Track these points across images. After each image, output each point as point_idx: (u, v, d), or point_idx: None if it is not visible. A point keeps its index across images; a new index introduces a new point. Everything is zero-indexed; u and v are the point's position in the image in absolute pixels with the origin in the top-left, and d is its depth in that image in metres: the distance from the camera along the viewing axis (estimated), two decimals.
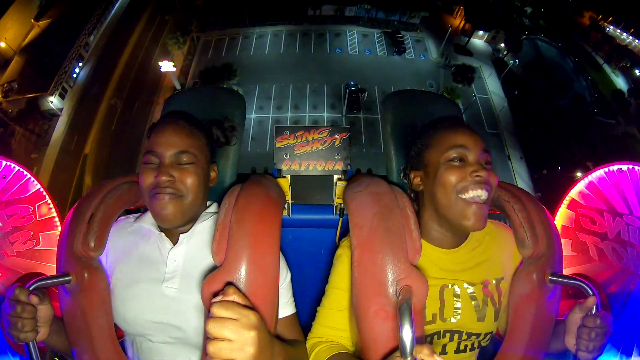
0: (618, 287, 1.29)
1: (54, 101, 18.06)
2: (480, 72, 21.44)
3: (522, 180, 17.18)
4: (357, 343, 0.92)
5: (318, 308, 1.04)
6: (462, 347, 1.01)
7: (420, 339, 0.86)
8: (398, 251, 0.85)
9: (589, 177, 1.39)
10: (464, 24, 23.16)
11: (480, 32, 23.11)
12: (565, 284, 0.96)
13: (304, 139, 1.34)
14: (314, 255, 1.44)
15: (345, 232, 1.31)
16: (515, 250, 1.03)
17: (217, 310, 0.68)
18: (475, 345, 1.02)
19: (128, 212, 1.12)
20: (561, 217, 1.41)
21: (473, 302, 0.99)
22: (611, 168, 1.37)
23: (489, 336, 1.02)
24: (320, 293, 1.06)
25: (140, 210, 1.15)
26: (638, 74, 21.36)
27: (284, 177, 1.32)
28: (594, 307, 0.89)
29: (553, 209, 1.40)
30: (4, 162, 1.33)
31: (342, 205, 1.33)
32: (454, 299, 0.99)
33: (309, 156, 1.34)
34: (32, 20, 22.11)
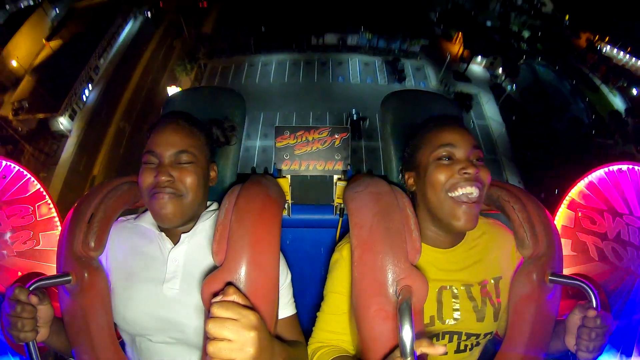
0: (618, 287, 1.29)
1: (63, 122, 18.35)
2: (479, 98, 21.68)
3: None
4: (357, 343, 0.92)
5: (318, 313, 1.04)
6: (462, 347, 1.01)
7: (420, 332, 0.86)
8: (398, 251, 0.85)
9: (589, 177, 1.39)
10: (463, 51, 23.44)
11: (479, 59, 23.37)
12: (565, 284, 0.96)
13: (304, 139, 1.34)
14: (314, 255, 1.44)
15: (345, 232, 1.31)
16: (513, 249, 1.03)
17: (217, 310, 0.68)
18: (474, 345, 1.02)
19: (128, 212, 1.12)
20: (561, 217, 1.41)
21: (472, 303, 0.99)
22: (611, 168, 1.37)
23: (489, 336, 1.02)
24: (321, 293, 1.06)
25: (140, 210, 1.15)
26: (635, 92, 21.42)
27: (284, 177, 1.32)
28: (594, 307, 0.89)
29: (553, 209, 1.40)
30: (4, 162, 1.33)
31: (342, 205, 1.33)
32: (453, 300, 0.99)
33: (309, 156, 1.34)
34: (44, 40, 22.48)
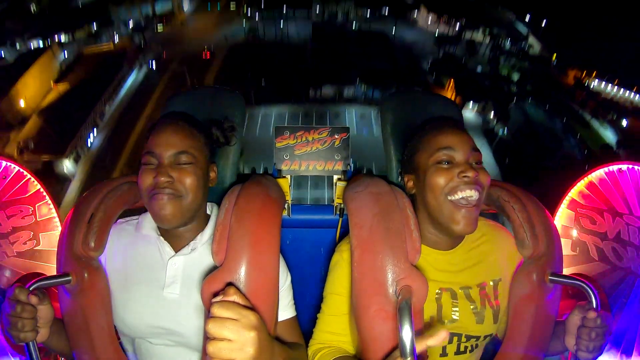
0: (618, 287, 1.29)
1: (68, 165, 18.49)
2: None
3: None
4: (357, 343, 0.92)
5: (318, 315, 1.03)
6: (462, 349, 1.01)
7: (419, 330, 0.86)
8: (398, 251, 0.85)
9: (589, 177, 1.39)
10: (455, 97, 23.74)
11: (470, 104, 23.60)
12: (565, 283, 0.96)
13: (304, 139, 1.34)
14: (314, 255, 1.44)
15: (345, 232, 1.31)
16: (512, 251, 1.03)
17: (217, 310, 0.68)
18: (475, 346, 1.02)
19: (129, 212, 1.12)
20: (561, 217, 1.41)
21: (471, 305, 0.99)
22: (611, 168, 1.37)
23: (488, 338, 1.02)
24: (321, 293, 1.06)
25: (140, 210, 1.15)
26: (625, 124, 21.73)
27: (284, 177, 1.32)
28: (594, 307, 0.89)
29: (553, 209, 1.40)
30: (4, 163, 1.33)
31: (342, 205, 1.33)
32: (452, 301, 0.99)
33: (309, 156, 1.34)
34: (52, 83, 22.86)
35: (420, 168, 0.98)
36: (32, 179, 1.35)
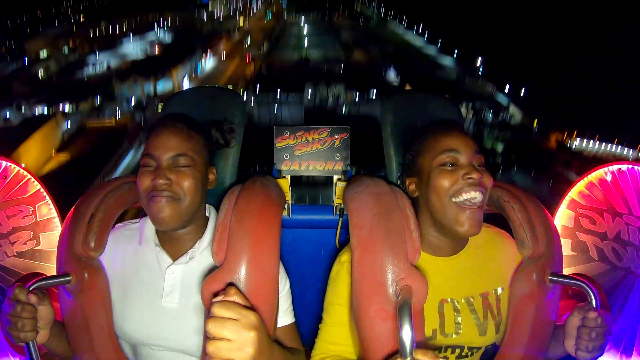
0: (618, 287, 1.29)
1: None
2: None
3: None
4: (357, 344, 0.92)
5: (319, 325, 1.02)
6: (464, 354, 1.01)
7: (421, 341, 0.86)
8: (398, 251, 0.85)
9: (589, 177, 1.39)
10: None
11: None
12: (565, 283, 0.97)
13: (303, 139, 1.34)
14: (313, 255, 1.44)
15: (345, 232, 1.31)
16: (516, 258, 1.02)
17: (217, 310, 0.68)
18: (476, 351, 1.02)
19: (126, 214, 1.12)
20: (561, 217, 1.41)
21: (473, 316, 0.98)
22: (611, 168, 1.37)
23: (490, 346, 1.02)
24: (321, 293, 1.06)
25: (140, 210, 1.15)
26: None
27: (284, 177, 1.32)
28: (594, 306, 0.89)
29: (553, 209, 1.40)
30: (4, 163, 1.33)
31: (342, 205, 1.33)
32: (454, 313, 0.98)
33: (309, 156, 1.34)
34: (53, 152, 23.36)
35: (424, 171, 0.98)
36: (32, 179, 1.35)
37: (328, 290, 1.02)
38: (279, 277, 0.92)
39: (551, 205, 1.31)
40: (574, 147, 25.93)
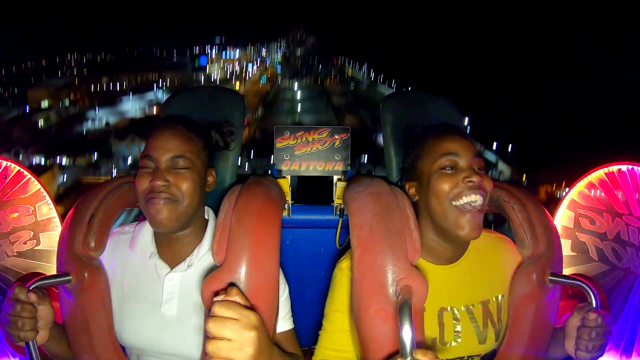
0: (618, 287, 1.29)
1: None
2: None
3: None
4: (357, 345, 0.92)
5: (320, 332, 1.02)
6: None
7: (421, 342, 0.86)
8: (398, 251, 0.85)
9: (589, 177, 1.39)
10: None
11: None
12: (565, 284, 0.97)
13: (304, 139, 1.34)
14: (313, 255, 1.44)
15: (345, 232, 1.31)
16: (516, 264, 1.02)
17: (218, 310, 0.68)
18: (476, 356, 1.02)
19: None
20: (561, 217, 1.41)
21: (473, 325, 0.98)
22: (611, 169, 1.37)
23: (490, 352, 1.02)
24: (321, 293, 1.06)
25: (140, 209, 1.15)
26: None
27: (284, 177, 1.32)
28: (594, 306, 0.88)
29: (553, 209, 1.40)
30: (4, 163, 1.33)
31: (342, 205, 1.33)
32: (454, 322, 0.98)
33: (309, 157, 1.34)
34: None
35: (424, 174, 0.97)
36: (33, 178, 1.35)
37: (328, 296, 1.02)
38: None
39: (551, 205, 1.31)
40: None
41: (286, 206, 1.34)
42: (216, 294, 0.74)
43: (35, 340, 0.86)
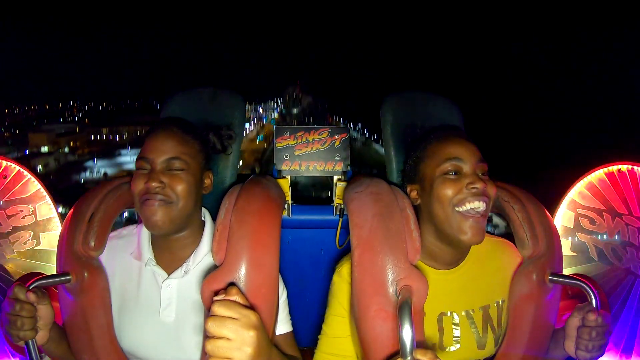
0: (618, 287, 1.29)
1: None
2: None
3: None
4: (357, 345, 0.92)
5: (319, 336, 1.01)
6: None
7: (421, 342, 0.85)
8: (398, 251, 0.85)
9: (589, 177, 1.39)
10: None
11: None
12: (565, 283, 0.96)
13: (304, 139, 1.34)
14: (314, 255, 1.44)
15: (345, 232, 1.31)
16: (516, 266, 1.01)
17: (218, 309, 0.68)
18: None
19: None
20: (561, 217, 1.41)
21: (472, 330, 0.98)
22: (611, 169, 1.37)
23: (489, 357, 1.01)
24: (320, 293, 1.06)
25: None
26: None
27: (284, 177, 1.32)
28: (594, 306, 0.88)
29: (553, 209, 1.40)
30: (4, 162, 1.33)
31: (342, 205, 1.33)
32: (453, 327, 0.97)
33: (309, 157, 1.34)
34: None
35: (426, 178, 0.96)
36: (33, 178, 1.35)
37: (328, 301, 1.01)
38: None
39: (551, 205, 1.31)
40: None
41: (286, 206, 1.34)
42: (216, 293, 0.74)
43: (35, 340, 0.86)
